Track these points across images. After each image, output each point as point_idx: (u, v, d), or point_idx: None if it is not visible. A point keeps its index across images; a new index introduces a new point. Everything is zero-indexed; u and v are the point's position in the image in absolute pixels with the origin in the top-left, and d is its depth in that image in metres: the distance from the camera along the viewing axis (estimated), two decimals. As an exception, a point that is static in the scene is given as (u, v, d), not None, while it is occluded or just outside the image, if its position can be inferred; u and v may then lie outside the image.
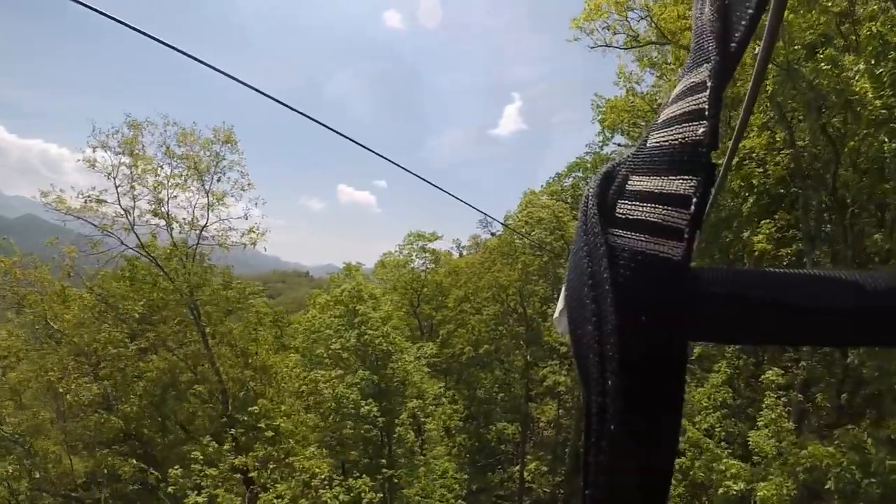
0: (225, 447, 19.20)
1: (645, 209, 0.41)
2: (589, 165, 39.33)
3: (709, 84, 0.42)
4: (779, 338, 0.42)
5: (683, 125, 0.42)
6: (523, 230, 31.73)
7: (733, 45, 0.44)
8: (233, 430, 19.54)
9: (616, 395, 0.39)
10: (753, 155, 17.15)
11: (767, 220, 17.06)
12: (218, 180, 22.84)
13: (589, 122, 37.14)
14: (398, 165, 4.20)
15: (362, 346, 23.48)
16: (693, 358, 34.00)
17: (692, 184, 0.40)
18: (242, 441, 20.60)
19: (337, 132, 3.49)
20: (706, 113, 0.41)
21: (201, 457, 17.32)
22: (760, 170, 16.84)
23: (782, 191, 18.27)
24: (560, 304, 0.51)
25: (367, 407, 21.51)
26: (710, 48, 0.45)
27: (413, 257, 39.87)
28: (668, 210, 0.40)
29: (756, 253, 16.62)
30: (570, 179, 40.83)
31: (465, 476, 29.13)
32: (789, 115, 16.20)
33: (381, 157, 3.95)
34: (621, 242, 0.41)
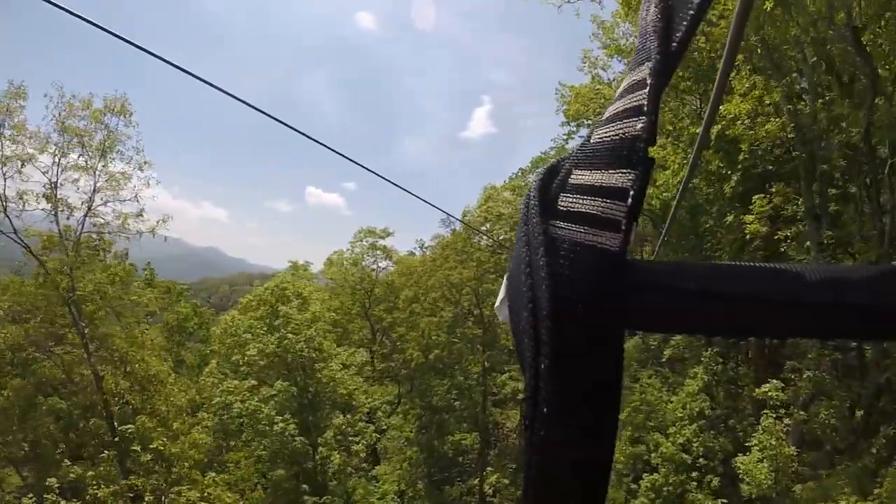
0: (101, 470, 15.33)
1: (585, 202, 0.42)
2: (553, 161, 36.57)
3: (649, 82, 0.44)
4: (715, 329, 0.43)
5: (624, 121, 0.43)
6: (483, 227, 28.55)
7: (674, 44, 0.45)
8: (106, 452, 15.60)
9: (549, 379, 0.40)
10: (738, 122, 14.11)
11: (761, 196, 13.97)
12: (107, 157, 18.89)
13: (557, 126, 34.39)
14: (361, 166, 4.16)
15: (282, 351, 19.70)
16: (663, 360, 31.18)
17: (630, 177, 0.41)
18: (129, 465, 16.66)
19: (304, 134, 3.45)
20: (644, 109, 0.43)
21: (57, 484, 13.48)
22: (751, 132, 13.71)
23: (771, 167, 15.34)
24: (501, 293, 0.50)
25: (281, 424, 17.76)
26: (651, 47, 0.46)
27: (364, 255, 36.31)
28: (606, 202, 0.41)
29: (746, 237, 13.48)
30: (534, 175, 38.09)
31: (420, 491, 25.59)
32: (784, 63, 13.20)
33: (347, 158, 3.87)
34: (561, 233, 0.41)
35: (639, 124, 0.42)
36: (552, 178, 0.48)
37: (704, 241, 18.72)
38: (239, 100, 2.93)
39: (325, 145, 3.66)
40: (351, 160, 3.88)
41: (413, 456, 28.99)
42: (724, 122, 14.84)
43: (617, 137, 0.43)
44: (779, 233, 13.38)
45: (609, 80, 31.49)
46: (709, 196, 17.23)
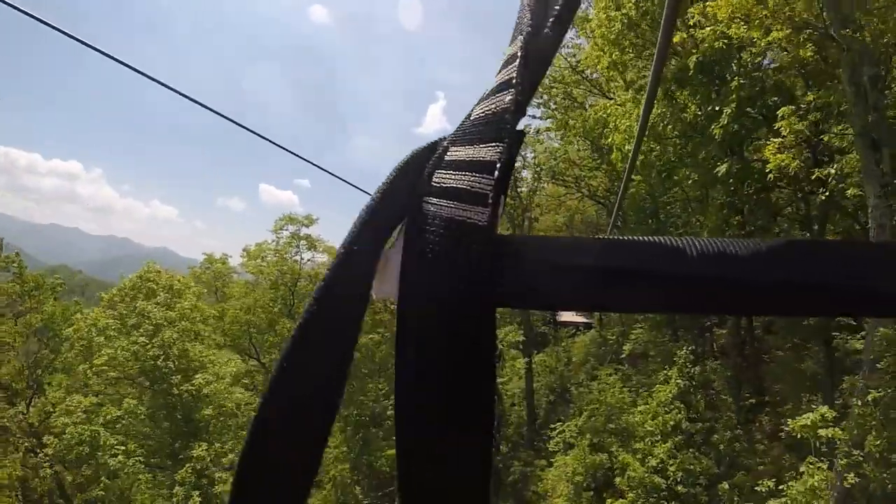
0: None
1: (456, 177, 0.42)
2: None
3: (519, 55, 0.44)
4: (587, 304, 0.41)
5: (497, 95, 0.44)
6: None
7: (550, 20, 0.46)
8: None
9: (415, 357, 0.38)
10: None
11: (788, 108, 9.38)
12: None
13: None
14: (313, 164, 4.08)
15: (133, 359, 14.60)
16: (623, 356, 27.51)
17: (498, 150, 0.41)
18: None
19: (255, 132, 3.41)
20: (514, 82, 0.43)
21: None
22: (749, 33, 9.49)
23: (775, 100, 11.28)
24: (378, 270, 0.47)
25: (119, 457, 12.73)
26: (525, 20, 0.46)
27: (288, 247, 31.44)
28: (475, 177, 0.40)
29: (767, 175, 9.09)
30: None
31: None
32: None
33: (298, 156, 3.82)
34: (433, 210, 0.41)
35: (507, 97, 0.42)
36: (430, 156, 0.47)
37: (673, 214, 14.69)
38: (187, 97, 2.84)
39: (276, 143, 3.63)
40: (302, 158, 3.81)
41: (339, 476, 24.24)
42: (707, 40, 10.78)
43: (490, 112, 0.43)
44: (817, 170, 9.20)
45: (562, 52, 27.71)
46: (687, 149, 13.19)
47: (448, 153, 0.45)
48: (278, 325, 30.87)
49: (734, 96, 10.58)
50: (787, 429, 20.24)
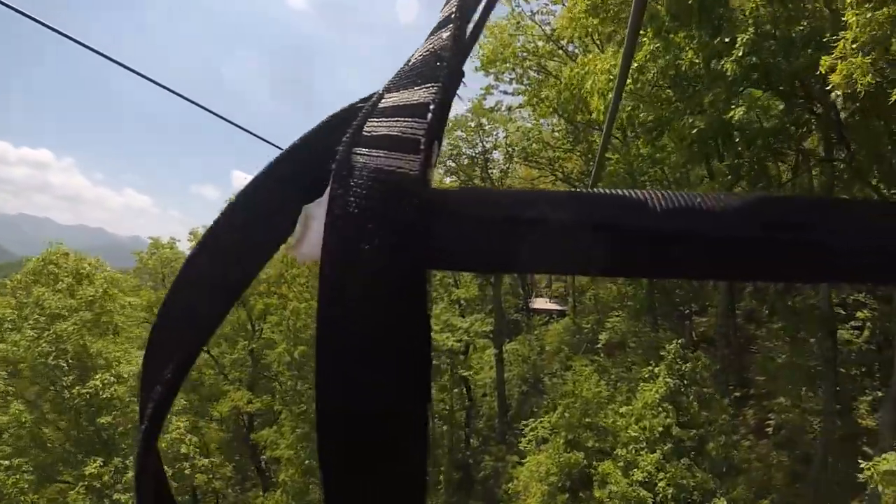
0: None
1: (387, 124, 0.38)
2: (472, 124, 30.21)
3: None
4: (535, 264, 0.37)
5: (435, 34, 0.42)
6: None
7: None
8: None
9: (338, 328, 0.33)
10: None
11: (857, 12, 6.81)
12: None
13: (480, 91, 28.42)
14: (267, 141, 3.84)
15: (22, 354, 11.87)
16: (599, 346, 25.60)
17: (432, 90, 0.38)
18: None
19: (228, 121, 3.35)
20: (451, 17, 0.41)
21: None
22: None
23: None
24: (298, 229, 0.43)
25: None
26: None
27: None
28: (407, 122, 0.37)
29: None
30: (448, 140, 31.49)
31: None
32: None
33: (270, 143, 3.72)
34: (361, 161, 0.37)
35: (445, 33, 0.40)
36: (364, 105, 0.42)
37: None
38: (159, 84, 2.77)
39: (249, 132, 3.56)
40: (274, 145, 3.78)
41: (290, 480, 21.77)
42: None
43: (427, 52, 0.40)
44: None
45: (532, 11, 25.36)
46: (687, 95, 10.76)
47: (383, 100, 0.40)
48: (229, 316, 28.18)
49: (751, 21, 8.28)
50: (772, 422, 18.70)
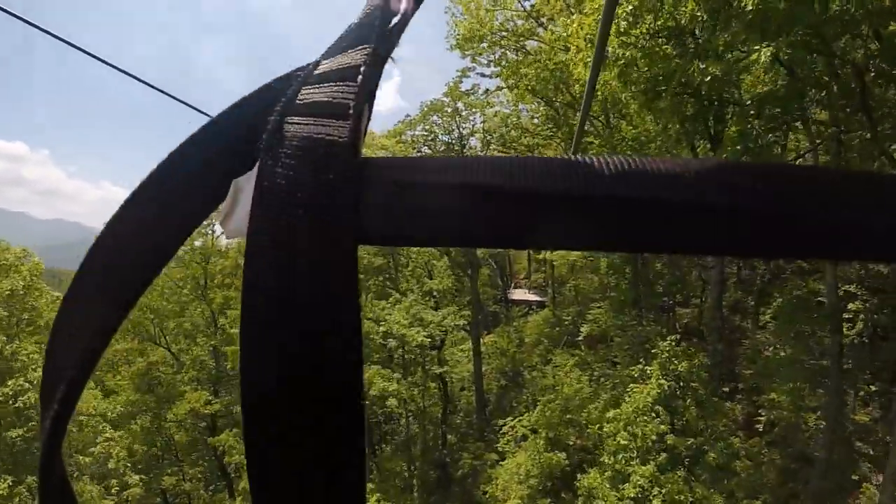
0: None
1: (319, 90, 0.36)
2: (449, 109, 28.42)
3: None
4: (475, 238, 0.34)
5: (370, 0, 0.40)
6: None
7: None
8: None
9: (262, 311, 0.31)
10: None
11: None
12: None
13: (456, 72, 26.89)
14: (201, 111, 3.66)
15: None
16: (580, 339, 24.26)
17: (364, 52, 0.36)
18: None
19: (199, 111, 3.21)
20: None
21: None
22: None
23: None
24: (226, 203, 0.41)
25: None
26: None
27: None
28: (337, 86, 0.35)
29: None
30: (424, 126, 29.82)
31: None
32: None
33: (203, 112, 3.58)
34: (292, 130, 0.34)
35: None
36: (301, 73, 0.40)
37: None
38: (132, 76, 2.70)
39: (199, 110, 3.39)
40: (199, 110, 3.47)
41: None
42: None
43: (362, 14, 0.39)
44: None
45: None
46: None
47: (318, 67, 0.38)
48: (189, 310, 26.09)
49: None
50: (762, 418, 17.53)
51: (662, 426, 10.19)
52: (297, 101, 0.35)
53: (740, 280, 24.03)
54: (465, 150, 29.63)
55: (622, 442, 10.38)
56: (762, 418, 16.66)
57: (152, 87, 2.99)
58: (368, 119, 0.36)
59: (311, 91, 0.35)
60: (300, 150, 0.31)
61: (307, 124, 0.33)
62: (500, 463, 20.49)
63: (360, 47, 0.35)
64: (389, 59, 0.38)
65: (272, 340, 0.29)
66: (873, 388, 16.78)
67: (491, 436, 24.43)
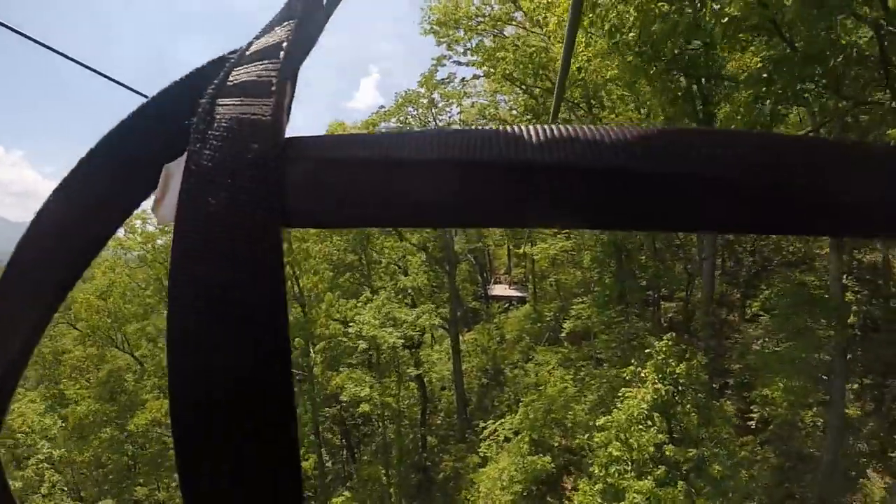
0: None
1: (247, 70, 0.35)
2: (424, 101, 27.10)
3: None
4: (407, 217, 0.32)
5: None
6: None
7: None
8: None
9: (188, 301, 0.29)
10: None
11: None
12: None
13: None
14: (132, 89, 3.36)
15: None
16: (563, 335, 23.24)
17: (287, 28, 0.36)
18: None
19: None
20: None
21: None
22: None
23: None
24: (158, 188, 0.39)
25: None
26: None
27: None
28: (262, 65, 0.34)
29: None
30: (399, 117, 28.45)
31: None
32: None
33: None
34: (221, 111, 0.33)
35: None
36: (234, 54, 0.38)
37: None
38: (104, 76, 2.51)
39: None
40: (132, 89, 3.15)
41: None
42: None
43: None
44: None
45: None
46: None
47: (250, 47, 0.37)
48: (153, 313, 24.39)
49: None
50: (755, 415, 16.63)
51: (660, 435, 9.10)
52: (228, 83, 0.33)
53: (725, 272, 23.18)
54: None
55: (614, 453, 9.26)
56: (755, 415, 15.76)
57: (126, 87, 2.74)
58: (292, 97, 0.34)
59: (240, 71, 0.34)
60: (227, 132, 0.30)
61: (235, 105, 0.31)
62: (482, 469, 19.35)
63: (285, 24, 0.34)
64: (322, 32, 0.37)
65: (197, 331, 0.27)
66: (867, 381, 16.02)
67: (473, 437, 23.28)
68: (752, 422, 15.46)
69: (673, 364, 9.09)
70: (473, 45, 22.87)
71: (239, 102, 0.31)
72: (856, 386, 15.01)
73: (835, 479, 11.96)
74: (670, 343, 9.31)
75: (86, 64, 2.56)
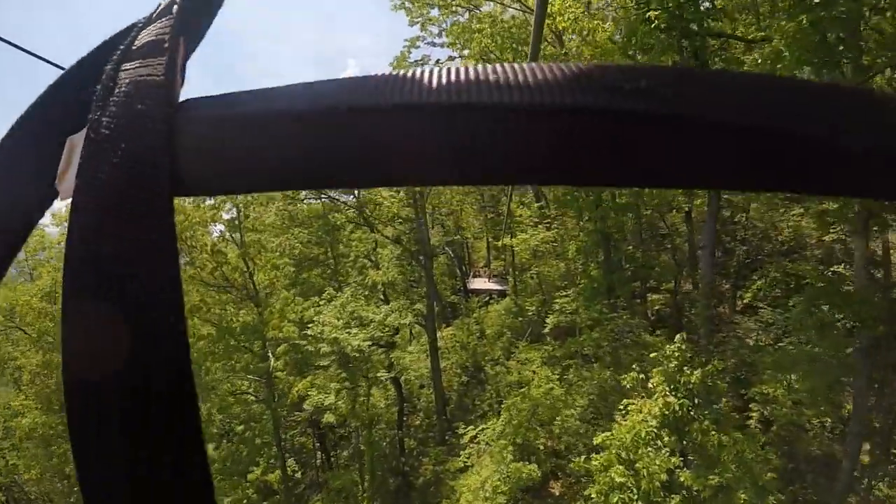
0: None
1: (148, 32, 0.33)
2: None
3: None
4: (315, 176, 0.28)
5: None
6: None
7: None
8: None
9: (85, 259, 0.27)
10: None
11: None
12: None
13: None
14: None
15: None
16: (546, 331, 21.70)
17: None
18: None
19: None
20: None
21: None
22: None
23: None
24: (62, 162, 0.35)
25: None
26: None
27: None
28: (159, 24, 0.32)
29: None
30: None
31: None
32: None
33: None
34: (122, 75, 0.31)
35: None
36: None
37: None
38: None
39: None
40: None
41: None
42: None
43: None
44: None
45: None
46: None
47: (157, 8, 0.35)
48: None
49: None
50: (754, 415, 15.23)
51: (673, 459, 7.44)
52: (132, 47, 0.31)
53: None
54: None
55: (617, 479, 7.58)
56: (754, 413, 14.35)
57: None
58: (188, 54, 0.32)
59: (143, 34, 0.32)
60: (124, 97, 0.28)
61: (134, 68, 0.29)
62: (463, 476, 17.66)
63: None
64: None
65: (87, 308, 0.26)
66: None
67: (453, 440, 21.65)
68: (750, 421, 14.08)
69: (687, 372, 7.38)
70: (448, 26, 21.22)
71: (137, 65, 0.29)
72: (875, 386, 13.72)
73: (856, 488, 10.51)
74: (683, 346, 7.63)
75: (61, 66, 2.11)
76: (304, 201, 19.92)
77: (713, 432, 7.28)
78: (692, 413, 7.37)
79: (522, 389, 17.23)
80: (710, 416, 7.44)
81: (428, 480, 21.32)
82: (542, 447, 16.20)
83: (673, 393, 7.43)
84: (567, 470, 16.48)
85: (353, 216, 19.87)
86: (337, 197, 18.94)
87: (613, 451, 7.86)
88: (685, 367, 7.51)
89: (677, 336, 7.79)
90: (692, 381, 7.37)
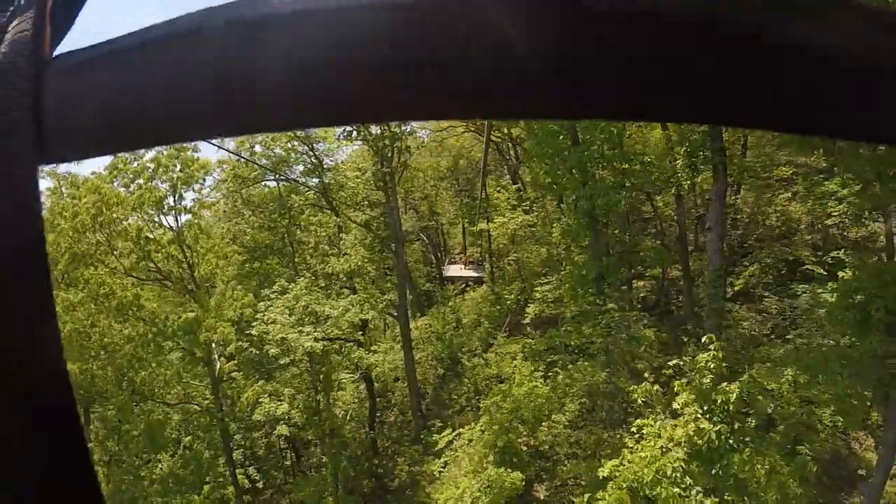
0: None
1: None
2: None
3: None
4: (198, 129, 0.25)
5: None
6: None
7: None
8: None
9: None
10: None
11: None
12: None
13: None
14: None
15: None
16: (527, 320, 19.92)
17: None
18: None
19: None
20: None
21: None
22: None
23: None
24: None
25: None
26: None
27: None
28: None
29: None
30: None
31: None
32: None
33: None
34: (8, 36, 0.28)
35: None
36: None
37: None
38: None
39: None
40: None
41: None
42: None
43: None
44: None
45: None
46: None
47: None
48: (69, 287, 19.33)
49: None
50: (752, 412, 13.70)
51: (707, 501, 5.64)
52: (21, 3, 0.28)
53: (698, 248, 20.23)
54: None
55: (621, 497, 5.76)
56: (752, 412, 12.80)
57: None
58: (65, 9, 0.28)
59: None
60: (2, 56, 0.26)
61: (15, 26, 0.26)
62: (439, 479, 15.90)
63: None
64: None
65: None
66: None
67: (429, 438, 19.87)
68: (749, 419, 12.54)
69: (722, 391, 5.50)
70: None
71: (17, 22, 0.26)
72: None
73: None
74: (720, 353, 5.77)
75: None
76: (263, 185, 17.58)
77: (758, 465, 5.52)
78: (731, 441, 5.60)
79: (503, 386, 15.56)
80: (754, 444, 5.70)
81: (403, 483, 19.59)
82: (525, 447, 14.62)
83: (706, 416, 5.63)
84: (555, 472, 14.94)
85: (314, 198, 17.49)
86: (296, 178, 16.64)
87: (625, 487, 6.04)
88: (710, 369, 5.68)
89: (714, 344, 5.95)
90: (730, 399, 5.57)
